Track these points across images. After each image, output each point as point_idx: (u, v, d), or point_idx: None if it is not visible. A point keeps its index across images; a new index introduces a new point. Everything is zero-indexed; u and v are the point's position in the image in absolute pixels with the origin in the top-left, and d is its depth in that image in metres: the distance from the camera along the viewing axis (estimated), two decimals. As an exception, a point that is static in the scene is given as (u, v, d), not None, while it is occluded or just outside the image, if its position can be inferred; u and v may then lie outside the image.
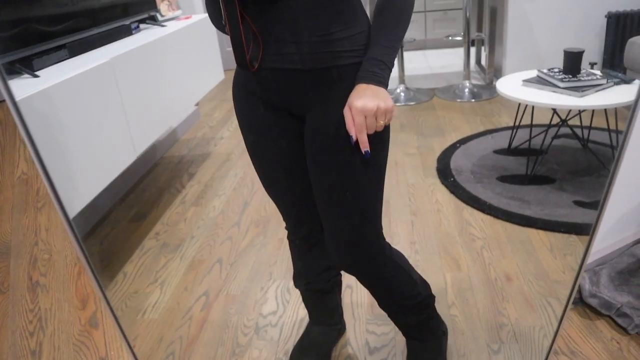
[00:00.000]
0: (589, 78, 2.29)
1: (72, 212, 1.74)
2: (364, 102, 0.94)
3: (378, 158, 1.06)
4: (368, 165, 1.04)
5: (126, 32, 2.32)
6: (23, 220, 1.78)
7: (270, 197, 1.25)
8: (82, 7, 2.08)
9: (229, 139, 3.36)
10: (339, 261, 1.14)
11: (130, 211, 2.51)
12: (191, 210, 2.47)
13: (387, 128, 1.05)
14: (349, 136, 0.99)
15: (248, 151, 1.19)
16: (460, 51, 5.02)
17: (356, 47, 1.00)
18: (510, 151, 2.69)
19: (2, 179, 1.87)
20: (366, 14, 1.02)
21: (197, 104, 3.84)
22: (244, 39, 1.00)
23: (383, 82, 0.97)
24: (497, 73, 3.97)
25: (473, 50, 4.48)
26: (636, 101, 0.73)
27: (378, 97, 0.95)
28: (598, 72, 2.38)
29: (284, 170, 1.17)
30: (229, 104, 4.04)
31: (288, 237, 1.37)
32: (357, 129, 0.97)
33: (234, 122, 3.64)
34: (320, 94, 1.02)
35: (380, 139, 1.04)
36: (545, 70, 2.43)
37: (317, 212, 1.20)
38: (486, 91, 3.71)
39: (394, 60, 0.99)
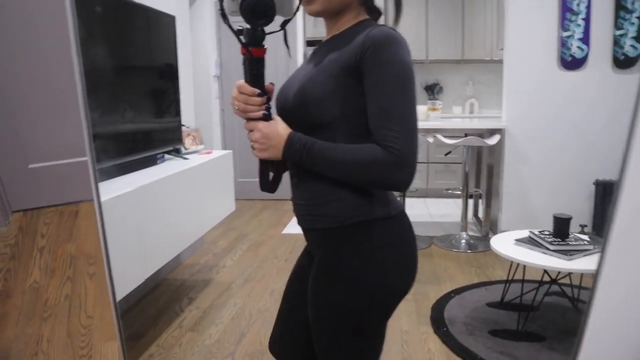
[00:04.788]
0: (577, 243, 2.44)
1: (78, 328, 1.81)
2: (262, 127, 1.07)
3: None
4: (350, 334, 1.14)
5: (152, 161, 2.54)
6: (27, 328, 1.83)
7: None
8: (114, 134, 2.31)
9: (232, 268, 3.45)
10: None
11: (127, 330, 2.54)
12: (187, 336, 2.50)
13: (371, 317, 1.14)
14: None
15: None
16: (460, 202, 5.27)
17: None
18: (502, 305, 2.77)
19: (14, 285, 1.95)
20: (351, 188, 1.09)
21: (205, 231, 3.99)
22: None
23: (287, 139, 1.06)
24: (493, 226, 4.16)
25: (471, 202, 4.72)
26: (595, 276, 0.85)
27: (269, 130, 1.06)
28: (586, 237, 2.54)
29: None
30: (235, 233, 4.18)
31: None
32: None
33: (238, 252, 3.75)
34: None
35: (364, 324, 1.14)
36: (536, 232, 2.59)
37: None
38: (482, 243, 3.86)
39: (302, 159, 1.06)
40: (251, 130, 1.08)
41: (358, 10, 1.13)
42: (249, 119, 1.08)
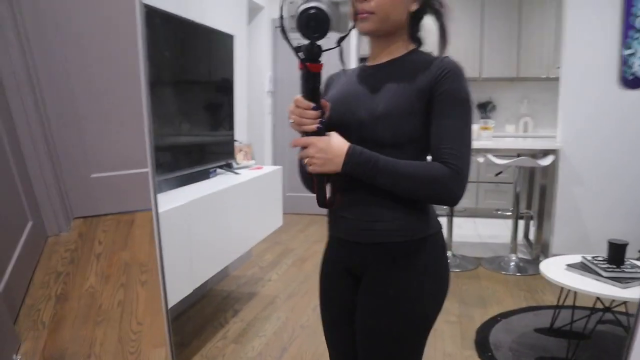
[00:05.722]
0: (633, 270, 2.35)
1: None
2: (318, 142, 1.09)
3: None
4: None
5: (205, 175, 2.63)
6: (82, 331, 1.92)
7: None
8: (170, 146, 2.41)
9: (277, 282, 3.50)
10: None
11: (172, 338, 2.61)
12: (230, 347, 2.55)
13: (429, 310, 1.22)
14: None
15: None
16: (510, 223, 5.15)
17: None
18: (552, 332, 2.68)
19: (71, 289, 2.06)
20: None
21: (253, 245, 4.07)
22: None
23: (347, 153, 1.09)
24: (544, 249, 4.04)
25: (522, 223, 4.60)
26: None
27: (326, 145, 1.09)
28: (643, 265, 2.44)
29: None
30: (281, 247, 4.24)
31: None
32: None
33: (284, 267, 3.80)
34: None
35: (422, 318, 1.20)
36: (589, 257, 2.51)
37: None
38: (532, 266, 3.75)
39: (366, 173, 1.10)
40: (306, 147, 1.11)
41: (406, 37, 1.19)
42: (304, 133, 1.12)
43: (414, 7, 1.16)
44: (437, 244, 1.21)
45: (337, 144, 1.10)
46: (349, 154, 1.09)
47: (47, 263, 2.08)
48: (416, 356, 1.22)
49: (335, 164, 1.10)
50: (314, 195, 1.17)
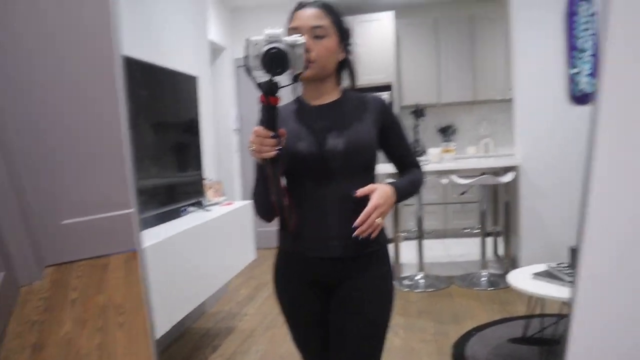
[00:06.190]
0: (593, 274, 2.46)
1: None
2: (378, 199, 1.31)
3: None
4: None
5: (176, 215, 2.67)
6: (58, 380, 1.90)
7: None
8: (139, 190, 2.45)
9: (254, 315, 3.51)
10: None
11: (154, 381, 2.59)
12: (212, 383, 2.55)
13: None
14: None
15: None
16: (478, 240, 5.28)
17: None
18: (525, 340, 2.77)
19: (47, 337, 2.05)
20: None
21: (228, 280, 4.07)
22: None
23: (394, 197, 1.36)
24: (514, 263, 4.15)
25: (490, 240, 4.73)
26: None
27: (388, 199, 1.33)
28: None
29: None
30: (256, 281, 4.26)
31: None
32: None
33: (259, 300, 3.82)
34: None
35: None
36: (554, 265, 2.62)
37: None
38: (503, 280, 3.84)
39: (400, 200, 1.39)
40: (376, 208, 1.29)
41: (335, 81, 1.44)
42: (264, 160, 1.24)
43: (341, 57, 1.41)
44: (388, 250, 1.46)
45: (387, 191, 1.33)
46: (395, 193, 1.36)
47: (21, 313, 2.07)
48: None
49: (392, 204, 1.35)
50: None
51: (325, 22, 1.35)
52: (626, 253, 0.89)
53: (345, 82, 1.48)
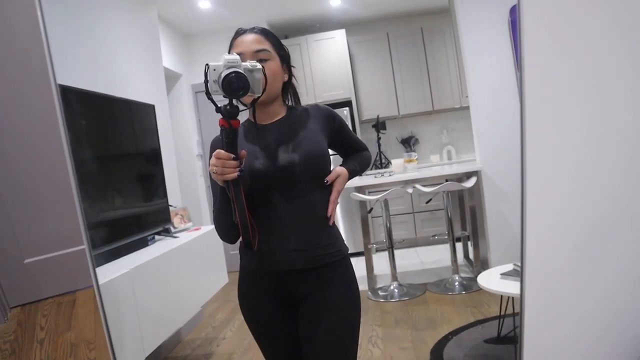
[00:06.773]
0: (559, 268, 2.53)
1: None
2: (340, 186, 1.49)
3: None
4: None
5: (143, 243, 2.63)
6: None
7: None
8: (105, 222, 2.41)
9: (232, 338, 3.47)
10: None
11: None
12: (193, 413, 2.50)
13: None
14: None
15: None
16: (448, 246, 5.37)
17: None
18: (499, 340, 2.81)
19: (17, 381, 1.98)
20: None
21: (201, 305, 4.01)
22: None
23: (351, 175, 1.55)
24: (484, 265, 4.23)
25: (461, 245, 4.81)
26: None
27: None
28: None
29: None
30: (231, 304, 4.20)
31: None
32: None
33: (236, 322, 3.78)
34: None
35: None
36: (519, 263, 2.68)
37: None
38: (475, 283, 3.91)
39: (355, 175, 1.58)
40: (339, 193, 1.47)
41: (281, 100, 1.51)
42: (226, 182, 1.27)
43: (286, 78, 1.50)
44: (349, 258, 1.51)
45: (345, 176, 1.50)
46: (350, 175, 1.54)
47: (-13, 358, 2.00)
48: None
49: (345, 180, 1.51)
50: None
51: (267, 45, 1.42)
52: (559, 242, 0.94)
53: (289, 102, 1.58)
